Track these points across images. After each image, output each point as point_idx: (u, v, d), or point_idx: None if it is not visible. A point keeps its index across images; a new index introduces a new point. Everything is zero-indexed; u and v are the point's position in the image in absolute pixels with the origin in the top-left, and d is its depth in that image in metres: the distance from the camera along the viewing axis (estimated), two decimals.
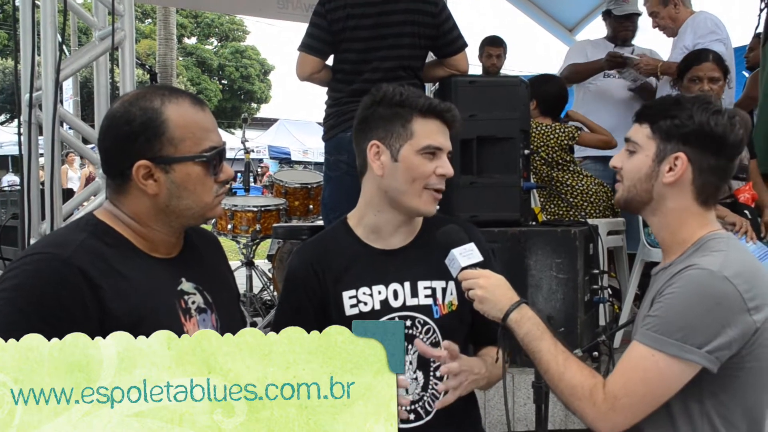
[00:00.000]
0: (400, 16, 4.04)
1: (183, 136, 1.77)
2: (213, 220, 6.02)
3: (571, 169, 5.00)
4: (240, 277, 6.18)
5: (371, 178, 2.23)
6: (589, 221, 4.17)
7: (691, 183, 1.97)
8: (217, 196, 1.85)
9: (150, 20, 36.81)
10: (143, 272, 1.78)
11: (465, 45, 4.21)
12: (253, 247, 6.04)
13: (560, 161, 4.94)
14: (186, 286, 1.86)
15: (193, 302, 1.86)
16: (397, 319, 2.19)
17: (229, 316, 2.00)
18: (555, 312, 3.76)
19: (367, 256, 2.25)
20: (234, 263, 7.20)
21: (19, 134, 3.90)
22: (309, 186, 6.07)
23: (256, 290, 6.11)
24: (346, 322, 2.17)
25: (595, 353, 3.48)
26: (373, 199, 2.25)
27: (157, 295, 1.78)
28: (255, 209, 5.77)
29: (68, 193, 4.72)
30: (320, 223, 5.56)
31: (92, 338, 1.63)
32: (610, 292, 4.31)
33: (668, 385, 1.84)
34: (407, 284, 2.22)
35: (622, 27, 5.73)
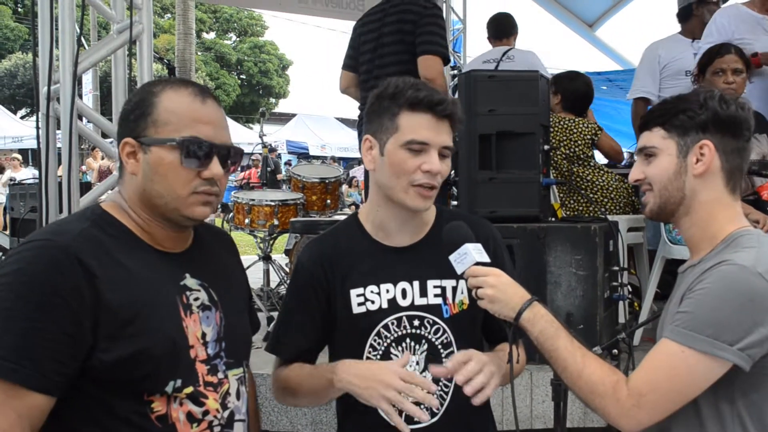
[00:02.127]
0: (394, 25, 4.49)
1: (167, 119, 1.75)
2: (231, 214, 6.01)
3: (591, 164, 4.97)
4: (257, 271, 6.18)
5: (370, 173, 2.20)
6: (610, 217, 4.13)
7: (720, 169, 1.96)
8: (195, 192, 1.77)
9: (169, 15, 36.96)
10: (143, 264, 1.75)
11: (432, 51, 4.49)
12: (271, 242, 6.02)
13: (582, 156, 4.90)
14: (190, 282, 1.83)
15: (196, 299, 1.82)
16: (404, 318, 2.16)
17: (237, 316, 1.96)
18: (574, 309, 3.73)
19: (376, 253, 2.20)
20: (251, 257, 7.20)
21: (38, 127, 3.90)
22: (326, 180, 6.06)
23: (273, 284, 6.09)
24: (354, 320, 2.16)
25: (615, 351, 3.44)
26: (374, 194, 2.22)
27: (157, 288, 1.75)
28: (272, 204, 5.76)
29: (86, 187, 4.73)
30: (338, 217, 5.54)
31: (84, 329, 1.62)
32: (630, 290, 4.27)
33: (697, 382, 1.80)
34: (416, 283, 2.18)
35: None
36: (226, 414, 1.83)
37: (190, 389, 1.75)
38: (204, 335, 1.81)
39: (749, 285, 1.77)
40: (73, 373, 1.64)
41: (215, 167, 1.78)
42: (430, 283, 2.17)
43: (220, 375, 1.83)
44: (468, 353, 2.01)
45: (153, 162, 1.75)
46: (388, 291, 2.17)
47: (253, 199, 5.84)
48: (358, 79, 4.90)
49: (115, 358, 1.65)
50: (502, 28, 6.30)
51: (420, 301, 2.17)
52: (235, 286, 2.03)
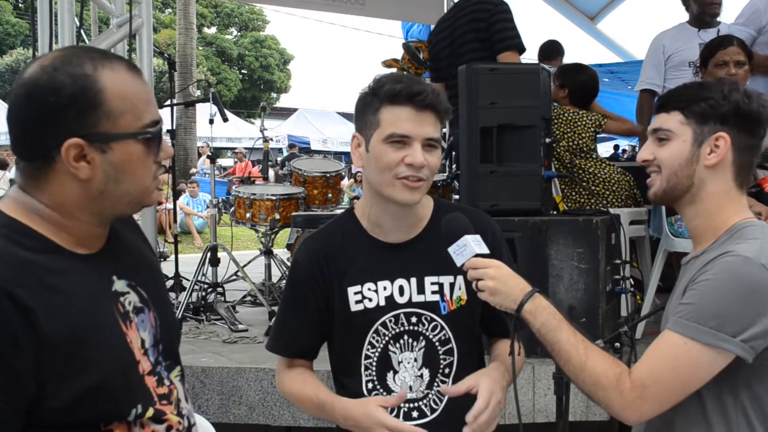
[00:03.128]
0: (467, 25, 4.72)
1: (122, 108, 1.49)
2: (232, 209, 6.00)
3: (593, 156, 4.96)
4: (259, 266, 6.19)
5: (361, 169, 2.18)
6: (612, 210, 4.11)
7: (731, 163, 1.93)
8: (155, 179, 1.60)
9: (170, 10, 36.92)
10: (73, 276, 1.50)
11: (508, 47, 4.62)
12: (272, 236, 6.02)
13: (584, 149, 4.89)
14: (119, 285, 1.61)
15: (129, 302, 1.61)
16: (402, 315, 2.15)
17: (167, 309, 1.77)
18: (576, 302, 3.72)
19: (372, 250, 2.18)
20: (252, 252, 7.20)
21: None
22: (328, 175, 6.05)
23: (275, 279, 6.09)
24: (351, 318, 2.15)
25: (617, 344, 3.43)
26: (366, 190, 2.20)
27: (93, 305, 1.51)
28: (273, 198, 5.75)
29: None
30: (339, 211, 5.53)
31: (23, 378, 1.38)
32: (632, 283, 4.25)
33: (700, 374, 1.79)
34: (413, 280, 2.16)
35: (710, 1, 5.38)
36: (185, 422, 1.69)
37: (151, 412, 1.58)
38: (143, 343, 1.62)
39: (753, 276, 1.76)
40: (17, 425, 1.41)
41: (168, 147, 1.62)
42: (428, 280, 2.16)
43: (167, 382, 1.67)
44: (475, 382, 2.01)
45: (119, 161, 1.51)
46: (385, 288, 2.15)
47: (254, 194, 5.84)
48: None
49: (68, 401, 1.43)
50: (550, 52, 6.97)
51: (417, 298, 2.15)
52: (155, 272, 1.82)
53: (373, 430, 1.98)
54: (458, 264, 1.96)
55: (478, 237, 1.97)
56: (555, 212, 4.30)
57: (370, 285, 2.16)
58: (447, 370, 2.16)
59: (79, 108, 1.46)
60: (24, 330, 1.38)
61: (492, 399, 1.98)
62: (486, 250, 1.95)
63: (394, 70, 6.33)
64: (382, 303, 2.15)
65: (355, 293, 2.16)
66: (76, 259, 1.54)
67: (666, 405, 1.82)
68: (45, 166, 1.50)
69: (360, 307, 2.15)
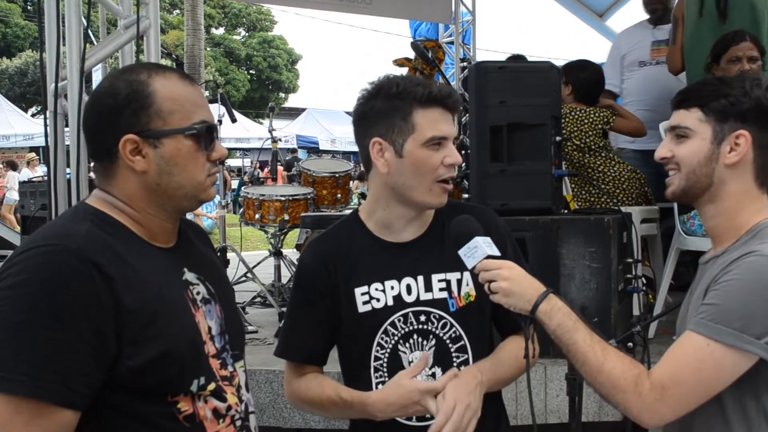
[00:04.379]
0: None
1: (171, 108, 1.68)
2: (241, 210, 6.00)
3: (603, 155, 4.91)
4: (268, 266, 6.18)
5: (376, 174, 2.14)
6: (623, 209, 4.08)
7: (752, 162, 1.88)
8: (209, 175, 1.76)
9: (178, 11, 37.01)
10: (150, 262, 1.68)
11: None
12: (281, 237, 6.01)
13: (593, 146, 4.86)
14: (189, 276, 1.78)
15: (198, 293, 1.77)
16: (410, 314, 2.13)
17: (232, 307, 1.92)
18: (588, 302, 3.69)
19: (378, 250, 2.17)
20: (262, 253, 7.19)
21: (45, 125, 3.89)
22: (337, 175, 6.03)
23: (284, 280, 6.08)
24: (360, 319, 2.13)
25: (630, 344, 3.40)
26: (381, 195, 2.17)
27: (167, 286, 1.69)
28: (283, 198, 5.74)
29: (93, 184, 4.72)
30: (348, 212, 5.52)
31: (107, 338, 1.55)
32: (645, 282, 4.22)
33: (722, 376, 1.75)
34: (420, 278, 2.14)
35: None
36: (242, 407, 1.80)
37: (213, 386, 1.71)
38: (210, 329, 1.77)
39: None
40: (98, 385, 1.56)
41: (221, 148, 1.80)
42: (435, 277, 2.14)
43: (230, 368, 1.80)
44: (454, 401, 1.98)
45: (169, 154, 1.69)
46: (392, 287, 2.14)
47: (264, 194, 5.83)
48: None
49: (142, 362, 1.58)
50: None
51: (425, 296, 2.13)
52: (221, 275, 1.98)
53: (417, 405, 1.99)
54: (469, 266, 1.93)
55: (488, 239, 1.94)
56: (566, 211, 4.27)
57: (377, 285, 2.14)
58: (463, 369, 2.13)
59: (132, 108, 1.66)
60: (108, 296, 1.55)
61: (457, 408, 1.94)
62: (497, 252, 1.92)
63: (406, 69, 6.30)
64: (390, 302, 2.13)
65: (363, 294, 2.14)
66: (153, 248, 1.73)
67: (687, 408, 1.78)
68: (110, 164, 1.70)
69: (368, 307, 2.14)
